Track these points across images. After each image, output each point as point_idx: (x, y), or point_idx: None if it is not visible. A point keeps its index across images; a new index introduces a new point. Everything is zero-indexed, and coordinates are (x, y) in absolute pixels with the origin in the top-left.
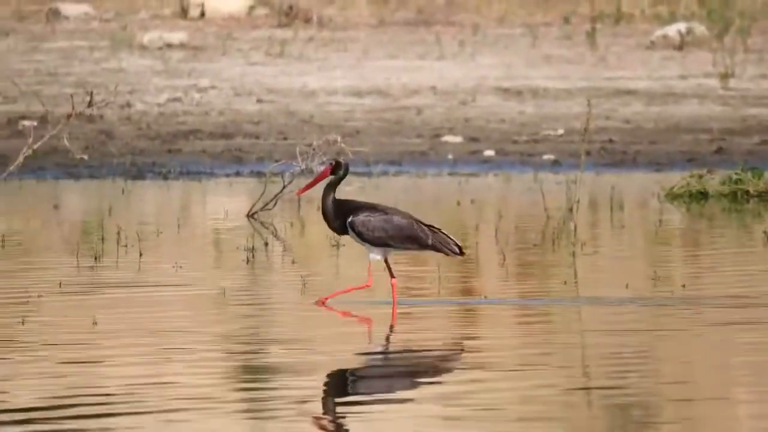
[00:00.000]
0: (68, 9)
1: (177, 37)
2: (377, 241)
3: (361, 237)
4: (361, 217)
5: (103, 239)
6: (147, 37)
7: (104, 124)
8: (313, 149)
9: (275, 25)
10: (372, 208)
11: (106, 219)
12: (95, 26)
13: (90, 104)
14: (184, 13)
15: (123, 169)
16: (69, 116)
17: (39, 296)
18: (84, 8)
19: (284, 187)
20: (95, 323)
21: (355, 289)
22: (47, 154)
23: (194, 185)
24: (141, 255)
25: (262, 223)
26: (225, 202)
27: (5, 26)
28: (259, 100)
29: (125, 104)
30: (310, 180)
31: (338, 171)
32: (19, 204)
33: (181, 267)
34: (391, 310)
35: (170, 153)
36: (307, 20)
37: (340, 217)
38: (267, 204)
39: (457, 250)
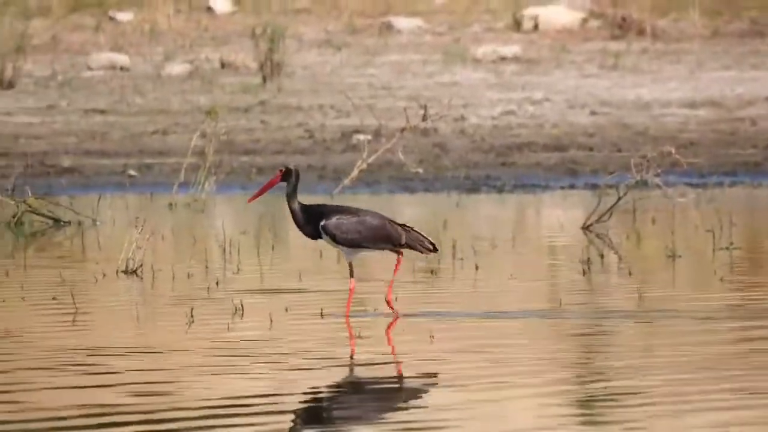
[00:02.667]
0: (401, 23)
1: (510, 50)
2: (351, 243)
3: (335, 240)
4: (333, 221)
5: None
6: (480, 51)
7: (438, 138)
8: (648, 161)
9: (608, 37)
10: (342, 210)
11: (441, 232)
12: (428, 40)
13: (424, 118)
14: (517, 26)
15: (457, 182)
16: (403, 130)
17: (374, 310)
18: (417, 22)
19: (619, 199)
20: (432, 337)
21: (350, 297)
22: (381, 167)
23: (528, 198)
24: (477, 268)
25: (597, 235)
26: (559, 214)
27: (339, 40)
28: (592, 113)
29: (459, 117)
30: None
31: (289, 177)
32: None
33: (515, 278)
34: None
35: (504, 166)
36: (641, 32)
37: (311, 221)
38: (602, 216)
39: (431, 248)
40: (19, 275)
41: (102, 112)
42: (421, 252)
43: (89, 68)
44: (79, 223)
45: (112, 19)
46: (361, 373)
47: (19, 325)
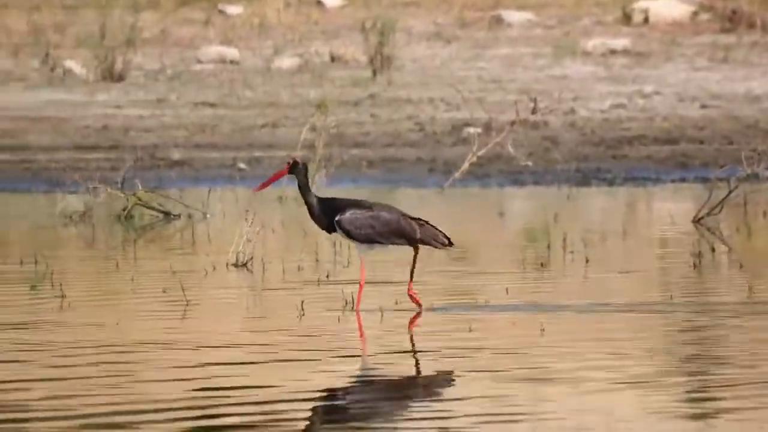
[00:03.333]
0: (511, 16)
1: (620, 43)
2: (365, 238)
3: (349, 235)
4: (348, 215)
5: (549, 246)
6: (590, 44)
7: (548, 131)
8: (759, 154)
9: (718, 30)
10: (358, 204)
11: (552, 226)
12: (538, 33)
13: (534, 111)
14: (627, 19)
15: (567, 175)
16: (513, 123)
17: (486, 302)
18: (527, 15)
19: (730, 192)
20: (543, 330)
21: (360, 290)
22: (491, 160)
23: (639, 191)
24: (587, 261)
25: (708, 229)
26: (670, 207)
27: (449, 33)
28: (703, 106)
29: (569, 111)
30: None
31: (296, 169)
32: (464, 211)
33: (625, 272)
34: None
35: (615, 159)
36: (751, 25)
37: (328, 215)
38: (713, 209)
39: (446, 242)
40: (129, 268)
41: (212, 105)
42: (436, 247)
43: (199, 61)
44: (189, 216)
45: (221, 12)
46: (480, 363)
47: (128, 317)
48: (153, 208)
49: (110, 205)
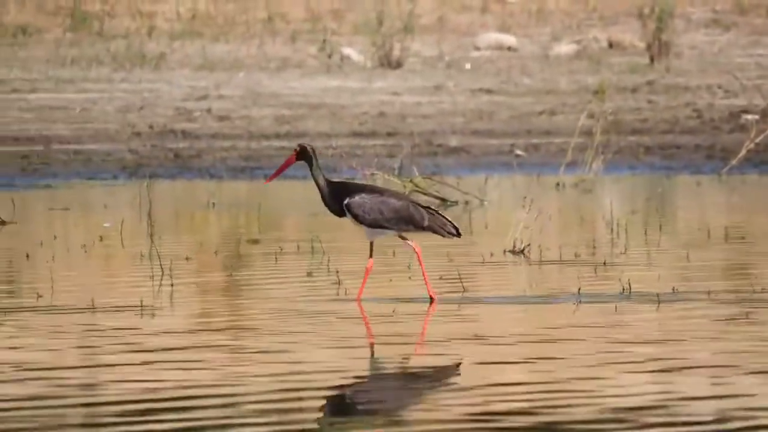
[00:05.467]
0: None
1: None
2: (373, 222)
3: (357, 219)
4: (356, 199)
5: None
6: None
7: None
8: None
9: None
10: (367, 189)
11: None
12: None
13: None
14: None
15: None
16: None
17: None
18: None
19: None
20: None
21: (366, 277)
22: None
23: None
24: None
25: None
26: None
27: (727, 20)
28: None
29: None
30: None
31: (305, 156)
32: (743, 198)
33: None
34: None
35: None
36: None
37: (337, 199)
38: None
39: (454, 232)
40: (406, 255)
41: (489, 91)
42: (444, 236)
43: (476, 48)
44: (466, 203)
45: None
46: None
47: (403, 305)
48: (430, 195)
49: None
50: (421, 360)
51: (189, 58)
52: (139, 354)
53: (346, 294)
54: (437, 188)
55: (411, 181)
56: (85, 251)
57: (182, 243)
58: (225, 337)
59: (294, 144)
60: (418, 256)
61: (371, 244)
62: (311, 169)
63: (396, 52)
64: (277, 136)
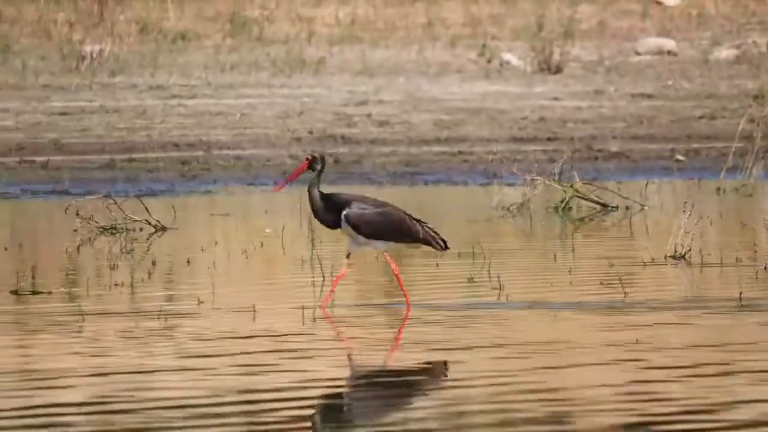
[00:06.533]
0: None
1: None
2: (372, 234)
3: (357, 230)
4: (356, 210)
5: None
6: None
7: None
8: None
9: None
10: (364, 200)
11: None
12: None
13: None
14: None
15: None
16: None
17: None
18: None
19: None
20: None
21: (336, 282)
22: None
23: None
24: None
25: None
26: None
27: None
28: None
29: None
30: None
31: (315, 165)
32: None
33: None
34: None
35: None
36: None
37: (332, 211)
38: None
39: (443, 245)
40: (567, 260)
41: (649, 96)
42: (436, 248)
43: (636, 53)
44: (627, 208)
45: (658, 4)
46: None
47: (565, 313)
48: (590, 200)
49: (547, 197)
50: (606, 368)
51: (348, 63)
52: (292, 355)
53: (507, 299)
54: (598, 193)
55: (571, 186)
56: (246, 257)
57: (342, 248)
58: (386, 337)
59: (453, 149)
60: (395, 271)
61: (349, 254)
62: (312, 179)
63: (556, 57)
64: (437, 141)
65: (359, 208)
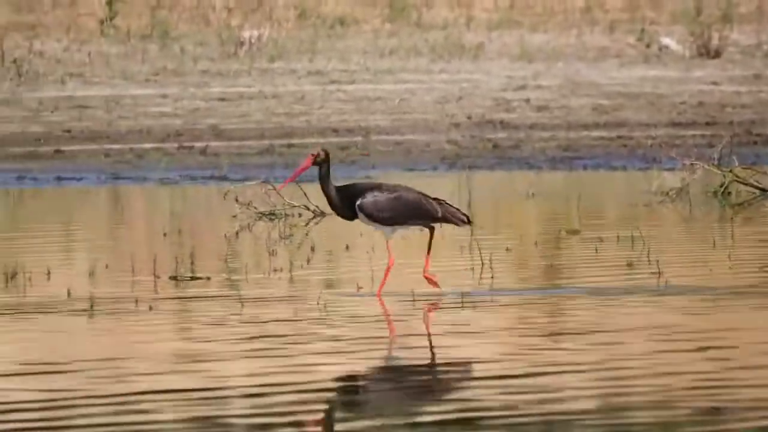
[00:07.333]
0: None
1: None
2: (388, 220)
3: (372, 218)
4: (369, 199)
5: None
6: None
7: None
8: None
9: None
10: (377, 188)
11: None
12: None
13: None
14: None
15: None
16: None
17: None
18: None
19: None
20: None
21: (387, 273)
22: None
23: None
24: None
25: None
26: None
27: None
28: None
29: None
30: None
31: (321, 161)
32: None
33: None
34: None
35: None
36: None
37: (347, 202)
38: None
39: (465, 219)
40: (726, 246)
41: None
42: (457, 224)
43: None
44: None
45: None
46: None
47: (724, 301)
48: (750, 185)
49: (706, 182)
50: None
51: (507, 48)
52: (464, 338)
53: (666, 285)
54: (757, 178)
55: (731, 171)
56: (405, 241)
57: (502, 234)
58: (541, 321)
59: (612, 134)
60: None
61: (388, 243)
62: (320, 175)
63: (714, 41)
64: (596, 125)
65: (373, 196)
